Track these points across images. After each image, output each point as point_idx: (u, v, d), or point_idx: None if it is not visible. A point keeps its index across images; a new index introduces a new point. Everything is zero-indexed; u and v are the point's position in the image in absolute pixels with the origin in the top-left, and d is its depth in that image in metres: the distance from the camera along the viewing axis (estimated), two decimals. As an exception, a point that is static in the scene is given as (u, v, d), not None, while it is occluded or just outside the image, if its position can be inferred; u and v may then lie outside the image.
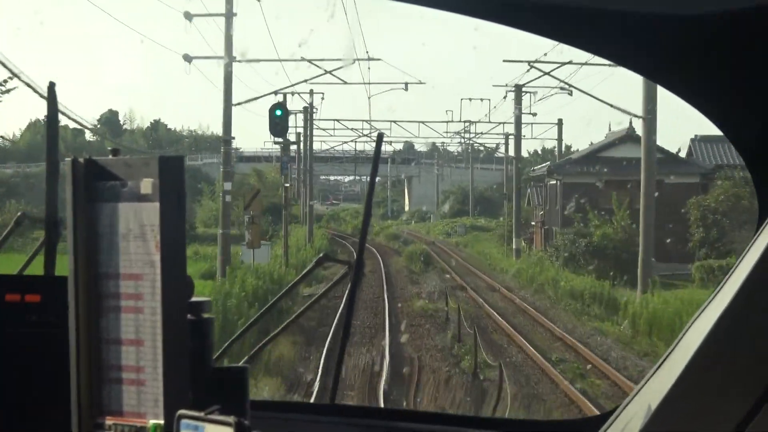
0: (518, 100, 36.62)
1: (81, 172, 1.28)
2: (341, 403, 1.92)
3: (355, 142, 69.32)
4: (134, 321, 1.26)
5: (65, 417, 1.34)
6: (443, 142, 69.91)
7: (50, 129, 1.54)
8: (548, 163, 43.89)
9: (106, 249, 1.28)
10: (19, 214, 1.68)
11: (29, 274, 1.64)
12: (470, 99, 44.68)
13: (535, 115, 38.16)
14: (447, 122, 53.21)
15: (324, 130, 48.45)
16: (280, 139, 26.75)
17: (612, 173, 33.46)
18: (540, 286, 26.57)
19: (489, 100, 52.14)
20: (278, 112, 22.75)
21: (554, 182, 37.74)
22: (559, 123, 43.40)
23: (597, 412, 11.08)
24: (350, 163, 78.34)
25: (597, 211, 31.58)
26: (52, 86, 1.49)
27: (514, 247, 37.27)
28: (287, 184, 28.69)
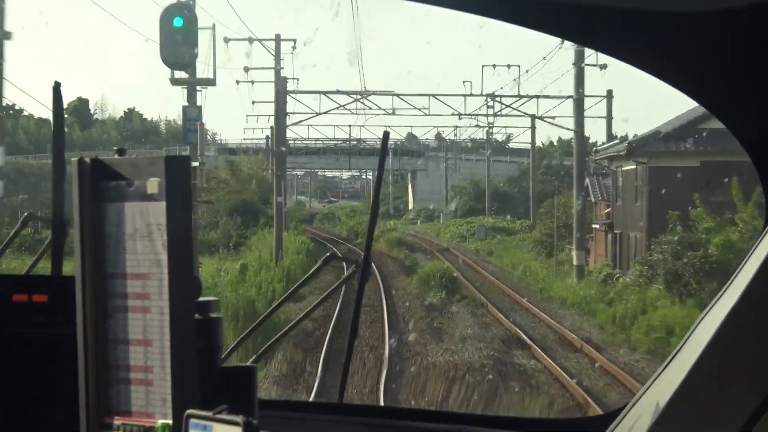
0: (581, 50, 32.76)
1: (87, 172, 1.64)
2: (348, 403, 2.39)
3: (350, 126, 72.37)
4: (142, 321, 1.61)
5: (73, 417, 1.67)
6: (455, 126, 74.01)
7: (56, 129, 1.93)
8: (618, 140, 38.84)
9: (113, 249, 1.64)
10: (26, 214, 2.15)
11: (36, 275, 2.04)
12: (494, 66, 41.55)
13: (604, 68, 36.40)
14: (465, 96, 45.37)
15: (297, 97, 44.42)
16: (184, 75, 20.00)
17: (726, 152, 25.91)
18: (660, 340, 18.68)
19: (518, 66, 51.80)
20: (177, 22, 16.87)
21: (633, 167, 32.76)
22: (609, 95, 39.89)
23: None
24: (344, 156, 76.72)
25: (707, 207, 26.29)
26: (57, 86, 1.85)
27: (575, 263, 31.79)
28: (196, 163, 20.16)
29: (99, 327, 1.66)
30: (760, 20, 1.40)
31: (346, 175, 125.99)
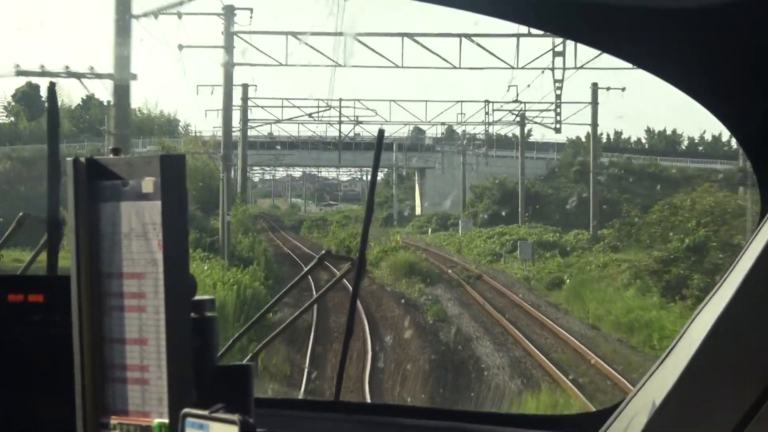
0: None
1: (82, 171, 1.83)
2: (345, 400, 2.72)
3: (340, 100, 54.74)
4: (137, 320, 1.80)
5: (70, 417, 1.84)
6: (485, 101, 55.65)
7: (51, 129, 2.11)
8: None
9: (108, 248, 1.83)
10: (21, 214, 2.37)
11: (32, 274, 2.25)
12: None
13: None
14: (519, 36, 35.27)
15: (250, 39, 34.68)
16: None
17: None
18: None
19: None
20: None
21: None
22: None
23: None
24: (333, 151, 69.90)
25: None
26: (52, 86, 2.07)
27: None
28: None
29: (95, 326, 1.84)
30: (758, 16, 1.57)
31: (345, 177, 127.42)
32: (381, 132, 2.35)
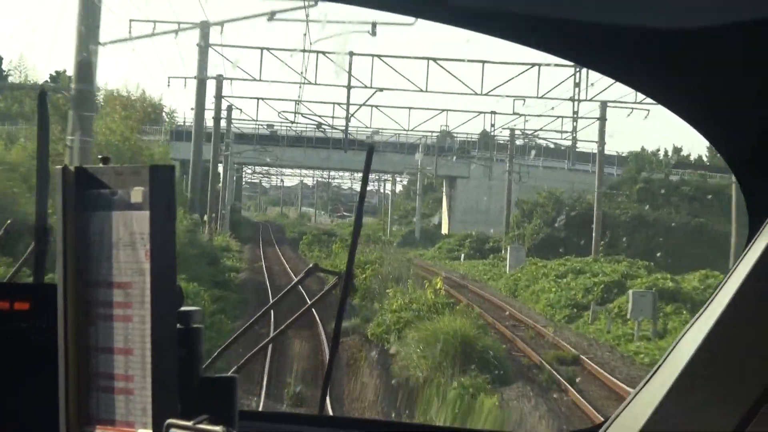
0: None
1: (71, 180, 2.04)
2: (330, 415, 3.13)
3: (349, 84, 49.32)
4: (123, 329, 2.00)
5: (54, 425, 2.02)
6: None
7: (41, 136, 2.29)
8: None
9: (95, 257, 2.03)
10: (9, 221, 2.60)
11: (18, 282, 2.46)
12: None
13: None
14: None
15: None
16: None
17: None
18: None
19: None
20: None
21: None
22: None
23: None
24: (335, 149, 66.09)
25: None
26: (43, 93, 2.25)
27: None
28: None
29: (80, 335, 2.03)
30: (746, 39, 1.78)
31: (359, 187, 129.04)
32: (371, 147, 2.69)
